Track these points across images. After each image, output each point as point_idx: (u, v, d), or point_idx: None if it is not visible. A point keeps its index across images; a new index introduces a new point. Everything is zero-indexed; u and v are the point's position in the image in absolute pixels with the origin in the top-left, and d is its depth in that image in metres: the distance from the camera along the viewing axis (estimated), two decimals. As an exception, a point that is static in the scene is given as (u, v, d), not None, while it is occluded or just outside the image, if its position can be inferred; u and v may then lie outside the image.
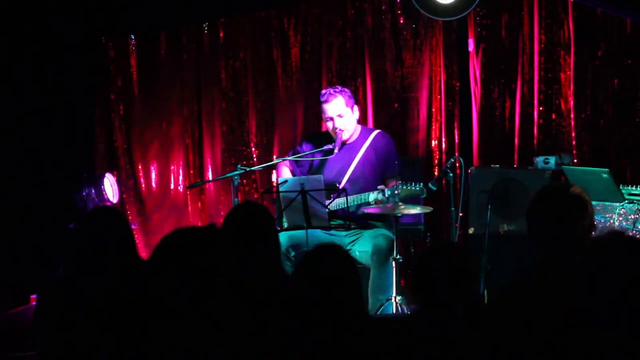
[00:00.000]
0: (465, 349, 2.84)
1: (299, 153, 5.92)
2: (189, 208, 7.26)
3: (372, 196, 5.48)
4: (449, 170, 5.74)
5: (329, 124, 5.77)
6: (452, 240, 5.71)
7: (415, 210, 5.38)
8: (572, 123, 6.61)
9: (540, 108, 6.67)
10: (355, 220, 5.64)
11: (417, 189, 5.33)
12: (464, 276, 2.93)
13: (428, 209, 5.50)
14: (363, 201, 5.54)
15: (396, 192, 5.28)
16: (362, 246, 5.59)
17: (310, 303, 2.80)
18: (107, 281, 3.22)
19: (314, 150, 5.83)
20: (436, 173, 6.73)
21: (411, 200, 5.47)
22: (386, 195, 5.39)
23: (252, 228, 3.54)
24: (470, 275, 2.96)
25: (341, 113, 5.73)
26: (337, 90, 5.78)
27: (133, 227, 6.92)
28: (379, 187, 5.49)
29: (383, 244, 5.49)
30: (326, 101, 5.75)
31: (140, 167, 7.30)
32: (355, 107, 5.82)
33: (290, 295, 2.90)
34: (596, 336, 2.58)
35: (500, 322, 2.92)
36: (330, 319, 2.78)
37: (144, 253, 6.44)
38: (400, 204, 5.26)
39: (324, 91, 5.84)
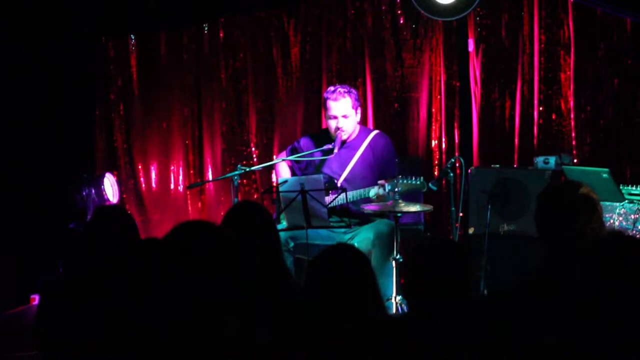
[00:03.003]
0: (463, 349, 2.83)
1: (297, 150, 5.93)
2: (189, 208, 7.26)
3: (373, 191, 5.48)
4: (449, 170, 5.74)
5: (331, 122, 5.76)
6: (454, 238, 5.69)
7: (415, 208, 5.37)
8: (572, 123, 6.61)
9: (540, 108, 6.67)
10: (355, 217, 5.64)
11: (418, 183, 5.33)
12: (455, 272, 2.91)
13: (428, 207, 5.50)
14: (364, 196, 5.54)
15: (397, 189, 5.28)
16: (362, 235, 5.59)
17: (326, 307, 2.76)
18: (109, 280, 3.22)
19: (313, 150, 5.83)
20: (436, 173, 6.73)
21: (411, 195, 5.47)
22: (387, 190, 5.38)
23: (252, 226, 3.55)
24: (460, 270, 2.92)
25: (346, 114, 5.72)
26: (346, 90, 5.76)
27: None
28: (379, 182, 5.49)
29: (385, 230, 5.50)
30: (335, 99, 5.73)
31: (140, 167, 7.30)
32: (359, 110, 5.82)
33: (302, 297, 2.87)
34: (597, 336, 2.58)
35: (501, 322, 2.92)
36: (348, 319, 2.75)
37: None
38: (400, 201, 5.26)
39: (333, 88, 5.81)
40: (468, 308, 2.86)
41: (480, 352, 2.80)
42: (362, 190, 5.57)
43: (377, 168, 5.74)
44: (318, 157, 5.82)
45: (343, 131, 5.72)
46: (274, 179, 6.86)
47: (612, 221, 5.37)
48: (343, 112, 5.71)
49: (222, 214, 7.11)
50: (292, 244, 5.57)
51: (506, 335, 2.84)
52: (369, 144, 5.79)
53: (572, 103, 6.60)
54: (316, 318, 2.76)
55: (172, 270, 2.69)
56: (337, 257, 2.86)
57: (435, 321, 2.83)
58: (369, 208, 5.39)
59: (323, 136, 5.88)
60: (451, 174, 5.79)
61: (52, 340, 3.24)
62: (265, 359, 2.77)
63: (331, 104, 5.73)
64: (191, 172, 7.30)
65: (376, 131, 5.92)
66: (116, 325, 3.05)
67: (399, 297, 5.28)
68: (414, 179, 5.33)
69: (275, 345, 2.81)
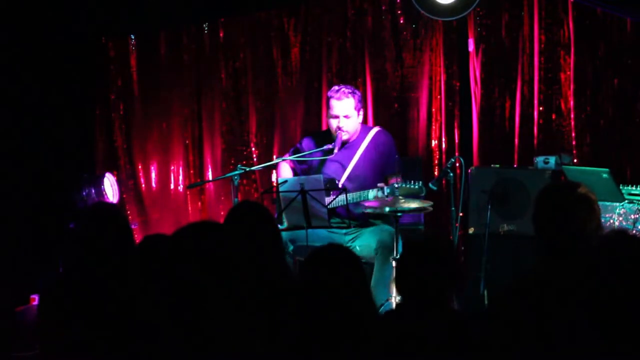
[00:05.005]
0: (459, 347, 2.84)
1: (299, 151, 5.93)
2: (189, 208, 7.26)
3: (372, 194, 5.48)
4: (449, 170, 5.74)
5: (333, 122, 5.74)
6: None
7: (415, 204, 5.35)
8: (572, 123, 6.61)
9: (540, 108, 6.67)
10: (356, 219, 5.64)
11: (416, 187, 5.33)
12: (450, 269, 2.93)
13: (428, 203, 5.48)
14: (362, 199, 5.54)
15: (396, 192, 5.28)
16: (363, 240, 5.59)
17: (318, 306, 2.79)
18: (106, 279, 3.22)
19: (313, 150, 5.83)
20: (436, 173, 6.73)
21: (410, 195, 5.47)
22: (385, 193, 5.38)
23: (254, 226, 3.56)
24: (455, 268, 2.96)
25: (348, 114, 5.71)
26: (350, 90, 5.75)
27: (133, 227, 6.94)
28: (378, 184, 5.50)
29: (387, 239, 5.49)
30: (338, 98, 5.71)
31: (140, 167, 7.30)
32: (362, 112, 5.81)
33: (296, 296, 2.90)
34: (599, 336, 2.58)
35: (501, 322, 2.92)
36: (339, 319, 2.77)
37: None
38: (400, 197, 5.26)
39: (337, 87, 5.79)
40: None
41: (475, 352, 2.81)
42: (360, 192, 5.56)
43: (380, 165, 5.73)
44: (318, 158, 5.81)
45: (344, 131, 5.71)
46: (274, 179, 6.86)
47: (612, 221, 5.37)
48: (345, 112, 5.70)
49: (222, 214, 7.13)
50: (291, 247, 5.57)
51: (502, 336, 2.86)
52: (371, 141, 5.77)
53: (572, 103, 6.60)
54: (309, 317, 2.78)
55: (175, 270, 2.70)
56: (328, 257, 2.88)
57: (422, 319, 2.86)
58: (369, 205, 5.39)
59: (325, 136, 5.88)
60: (451, 174, 5.79)
61: (54, 340, 3.24)
62: (264, 357, 2.78)
63: (334, 102, 5.72)
64: (191, 172, 7.30)
65: (377, 128, 5.90)
66: (116, 325, 3.05)
67: (398, 297, 5.27)
68: (412, 183, 5.33)
69: (274, 344, 2.82)
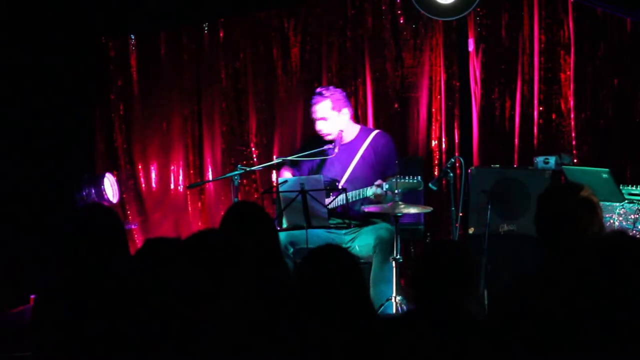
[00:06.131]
0: (465, 348, 2.83)
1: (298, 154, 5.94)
2: (189, 208, 7.26)
3: (371, 191, 5.49)
4: (449, 170, 5.75)
5: (316, 124, 5.82)
6: (453, 238, 5.70)
7: (414, 209, 5.38)
8: (572, 123, 6.61)
9: (540, 108, 6.67)
10: (355, 218, 5.65)
11: (415, 182, 5.35)
12: (468, 274, 2.93)
13: (428, 209, 5.50)
14: (362, 196, 5.55)
15: (396, 190, 5.29)
16: (362, 240, 5.60)
17: (314, 305, 2.79)
18: (102, 279, 3.21)
19: (313, 151, 5.83)
20: (436, 173, 6.73)
21: (410, 195, 5.48)
22: (384, 189, 5.39)
23: (251, 227, 3.57)
24: (473, 273, 2.96)
25: (324, 116, 5.75)
26: (328, 92, 5.78)
27: (133, 227, 6.95)
28: (376, 182, 5.51)
29: (385, 235, 5.51)
30: (314, 102, 5.80)
31: (140, 167, 7.30)
32: (345, 110, 5.80)
33: (294, 295, 2.90)
34: (599, 336, 2.58)
35: (503, 323, 2.92)
36: (337, 320, 2.77)
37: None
38: (400, 203, 5.27)
39: (318, 90, 5.86)
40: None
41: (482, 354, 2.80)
42: (360, 190, 5.57)
43: (379, 167, 5.75)
44: (318, 158, 5.82)
45: (323, 134, 5.77)
46: (274, 179, 6.87)
47: (612, 221, 5.37)
48: (320, 114, 5.77)
49: (222, 214, 7.11)
50: (291, 250, 5.57)
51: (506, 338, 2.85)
52: (370, 143, 5.79)
53: (572, 103, 6.60)
54: (307, 317, 2.78)
55: (176, 271, 2.70)
56: (324, 257, 2.89)
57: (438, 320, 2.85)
58: (369, 210, 5.41)
59: (323, 139, 5.89)
60: (451, 174, 5.80)
61: (49, 340, 3.23)
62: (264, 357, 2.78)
63: (313, 107, 5.79)
64: (191, 172, 7.30)
65: (377, 131, 5.93)
66: (114, 324, 3.05)
67: (399, 297, 5.28)
68: (411, 178, 5.34)
69: (273, 344, 2.82)
